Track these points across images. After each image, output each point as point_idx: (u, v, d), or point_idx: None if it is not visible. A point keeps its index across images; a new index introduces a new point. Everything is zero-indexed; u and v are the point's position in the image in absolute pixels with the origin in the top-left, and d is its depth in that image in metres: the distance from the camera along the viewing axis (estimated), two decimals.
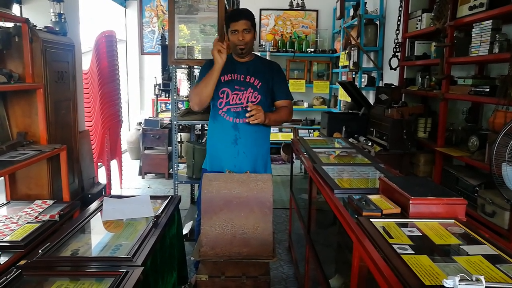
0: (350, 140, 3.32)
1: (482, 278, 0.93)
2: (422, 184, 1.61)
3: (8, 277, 1.33)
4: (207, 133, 2.70)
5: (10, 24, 2.55)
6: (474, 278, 0.93)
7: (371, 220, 1.38)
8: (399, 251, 1.14)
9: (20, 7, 3.26)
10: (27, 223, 2.09)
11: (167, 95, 6.39)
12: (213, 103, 2.41)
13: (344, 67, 5.89)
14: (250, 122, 2.26)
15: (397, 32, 4.16)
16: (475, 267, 1.06)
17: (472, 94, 2.79)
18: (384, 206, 1.50)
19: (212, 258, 1.90)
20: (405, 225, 1.37)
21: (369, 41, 5.21)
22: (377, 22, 5.25)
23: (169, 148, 5.43)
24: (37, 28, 2.68)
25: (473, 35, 2.79)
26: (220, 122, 2.38)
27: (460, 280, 0.92)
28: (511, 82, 2.35)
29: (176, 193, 3.33)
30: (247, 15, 2.31)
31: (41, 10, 3.19)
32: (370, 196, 1.60)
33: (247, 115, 2.27)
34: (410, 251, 1.15)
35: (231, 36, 2.32)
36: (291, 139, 3.39)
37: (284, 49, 6.88)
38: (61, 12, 3.08)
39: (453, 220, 1.39)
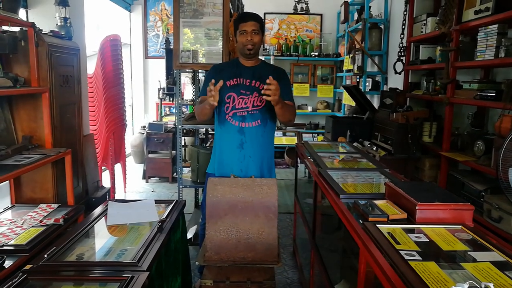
0: (355, 144, 3.32)
1: (491, 285, 0.92)
2: (428, 189, 1.60)
3: (14, 281, 1.33)
4: (214, 137, 2.69)
5: (16, 29, 2.57)
6: (483, 286, 0.93)
7: (377, 225, 1.37)
8: (406, 257, 1.13)
9: (26, 11, 3.28)
10: (32, 226, 2.09)
11: (171, 99, 6.41)
12: (219, 108, 2.41)
13: (349, 71, 5.89)
14: (264, 98, 2.14)
15: (402, 36, 4.15)
16: (484, 274, 1.05)
17: (477, 99, 2.78)
18: (390, 211, 1.49)
19: (217, 263, 1.90)
20: (411, 230, 1.36)
21: (374, 45, 5.21)
22: (382, 26, 5.25)
23: (173, 152, 5.43)
24: (42, 32, 2.70)
25: (478, 40, 2.78)
26: (226, 127, 2.38)
27: (469, 287, 0.91)
28: None
29: (181, 197, 3.33)
30: (256, 17, 2.35)
31: (47, 14, 3.22)
32: (376, 201, 1.59)
33: (263, 91, 2.11)
34: (418, 257, 1.14)
35: (240, 37, 2.34)
36: (296, 143, 3.38)
37: (288, 53, 6.89)
38: (67, 16, 3.10)
39: (460, 226, 1.38)
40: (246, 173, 2.36)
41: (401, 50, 4.18)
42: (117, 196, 4.49)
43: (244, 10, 4.76)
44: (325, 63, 7.14)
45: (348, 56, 5.78)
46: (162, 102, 6.50)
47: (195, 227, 3.62)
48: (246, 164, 2.38)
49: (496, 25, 2.60)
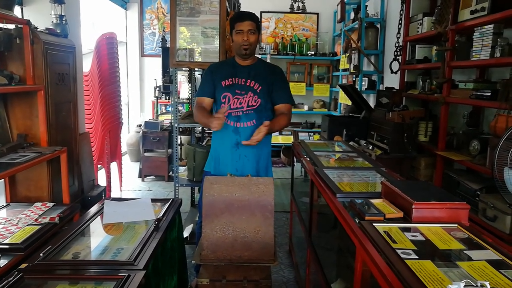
0: (351, 143, 3.32)
1: (487, 284, 0.92)
2: (424, 188, 1.61)
3: (9, 280, 1.32)
4: (211, 135, 2.71)
5: (11, 26, 2.55)
6: (479, 284, 0.93)
7: (373, 224, 1.37)
8: (402, 256, 1.13)
9: (21, 8, 3.26)
10: (27, 225, 2.08)
11: (167, 98, 6.39)
12: (216, 108, 2.41)
13: (345, 70, 5.89)
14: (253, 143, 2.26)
15: (398, 35, 4.16)
16: (479, 273, 1.06)
17: (473, 98, 2.79)
18: (386, 210, 1.49)
19: (213, 262, 1.89)
20: (408, 229, 1.36)
21: (370, 44, 5.21)
22: (378, 26, 5.26)
23: (169, 150, 5.42)
24: (38, 30, 2.68)
25: (474, 39, 2.79)
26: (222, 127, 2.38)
27: (465, 286, 0.92)
28: None
29: (177, 196, 3.32)
30: (252, 17, 2.33)
31: (42, 11, 3.19)
32: (372, 200, 1.59)
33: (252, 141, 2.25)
34: (414, 256, 1.15)
35: (236, 36, 2.32)
36: (292, 142, 3.38)
37: (285, 52, 6.89)
38: (62, 14, 3.08)
39: (456, 225, 1.38)
40: (242, 172, 2.36)
41: (397, 50, 4.19)
42: (113, 195, 4.47)
43: (241, 9, 4.75)
44: (321, 62, 7.15)
45: (344, 55, 5.78)
46: (158, 100, 6.48)
47: (191, 225, 3.62)
48: (242, 164, 2.38)
49: (492, 25, 2.61)
